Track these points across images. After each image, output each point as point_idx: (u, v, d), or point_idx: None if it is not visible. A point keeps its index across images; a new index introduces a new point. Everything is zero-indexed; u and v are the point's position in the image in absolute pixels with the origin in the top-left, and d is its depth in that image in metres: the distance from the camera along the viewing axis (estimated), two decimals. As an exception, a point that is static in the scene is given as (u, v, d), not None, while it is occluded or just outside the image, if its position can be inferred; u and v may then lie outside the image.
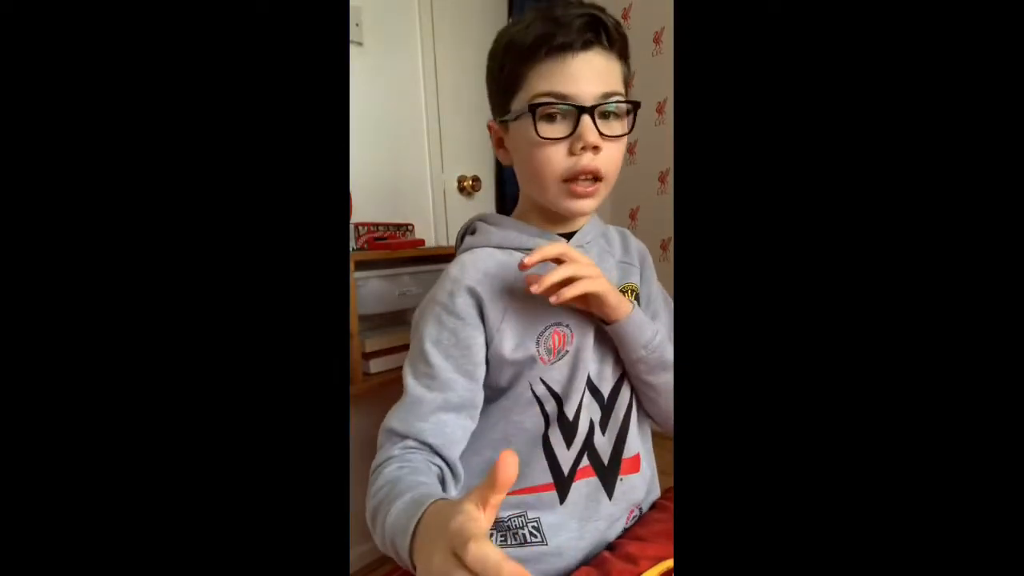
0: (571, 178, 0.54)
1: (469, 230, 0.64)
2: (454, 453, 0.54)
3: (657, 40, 1.62)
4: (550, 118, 0.53)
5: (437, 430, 0.53)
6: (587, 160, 0.53)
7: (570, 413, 0.57)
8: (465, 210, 1.51)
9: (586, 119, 0.52)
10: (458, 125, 1.46)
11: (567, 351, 0.57)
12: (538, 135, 0.52)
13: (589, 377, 0.58)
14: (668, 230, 1.64)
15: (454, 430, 0.54)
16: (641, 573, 0.48)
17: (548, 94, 0.52)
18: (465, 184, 1.49)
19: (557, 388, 0.57)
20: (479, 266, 0.57)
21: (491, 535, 0.57)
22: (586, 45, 0.52)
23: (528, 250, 0.58)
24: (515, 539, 0.56)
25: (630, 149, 1.68)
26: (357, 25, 1.23)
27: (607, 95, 0.53)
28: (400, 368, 1.24)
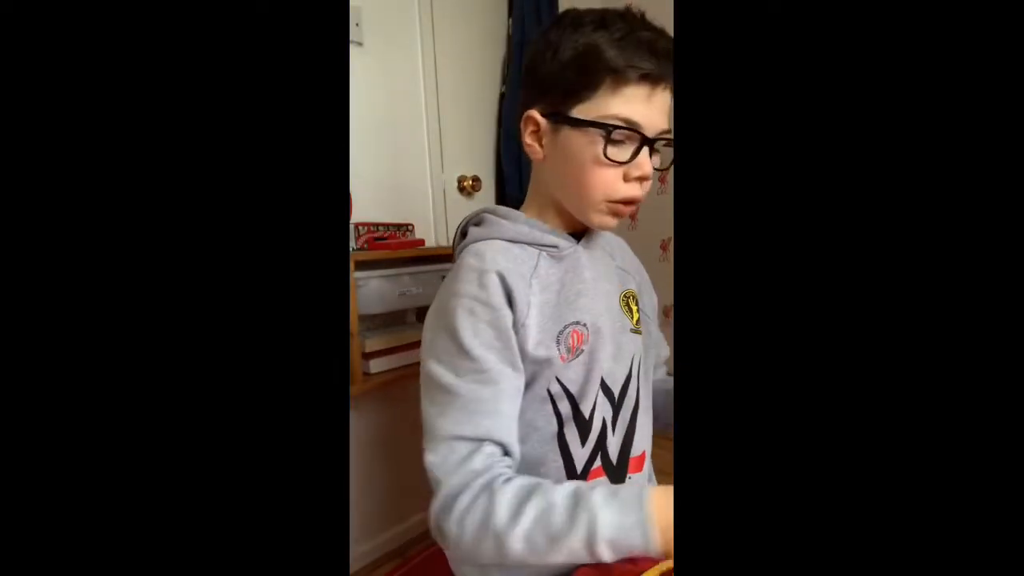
0: (617, 200, 0.55)
1: (473, 221, 0.63)
2: (517, 449, 0.53)
3: (657, 40, 1.62)
4: (616, 143, 0.53)
5: (503, 426, 0.51)
6: (636, 189, 0.55)
7: (586, 412, 0.57)
8: (465, 210, 1.50)
9: (645, 151, 0.53)
10: (458, 125, 1.46)
11: (583, 350, 0.56)
12: (606, 156, 0.53)
13: (602, 376, 0.58)
14: (668, 230, 1.64)
15: (511, 423, 0.53)
16: (641, 573, 0.48)
17: (626, 120, 0.52)
18: (465, 184, 1.49)
19: (572, 388, 0.56)
20: (499, 257, 0.56)
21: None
22: (670, 80, 0.53)
23: (543, 246, 0.58)
24: None
25: (630, 149, 1.68)
26: (357, 25, 1.22)
27: (665, 132, 0.54)
28: (400, 368, 1.24)
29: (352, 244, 1.19)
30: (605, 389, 0.59)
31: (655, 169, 0.56)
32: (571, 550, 0.44)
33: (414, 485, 1.38)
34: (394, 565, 1.27)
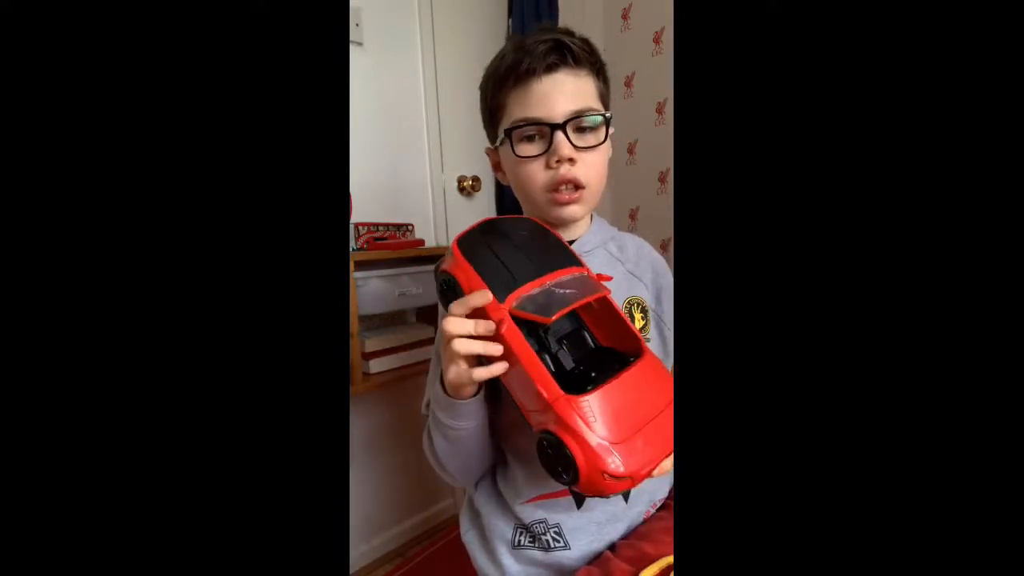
0: (553, 188, 0.58)
1: None
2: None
3: (657, 40, 1.62)
4: (529, 139, 0.58)
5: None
6: (564, 171, 0.57)
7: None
8: (465, 210, 1.51)
9: (559, 135, 0.56)
10: (458, 125, 1.46)
11: None
12: (516, 155, 0.58)
13: None
14: (668, 230, 1.64)
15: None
16: (641, 571, 0.48)
17: (523, 119, 0.57)
18: (465, 184, 1.49)
19: None
20: None
21: (518, 537, 0.59)
22: (550, 68, 0.56)
23: None
24: (539, 544, 0.57)
25: (630, 149, 1.68)
26: (357, 25, 1.22)
27: (579, 112, 0.57)
28: (400, 368, 1.24)
29: (352, 244, 1.19)
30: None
31: (587, 148, 0.58)
32: (435, 426, 0.56)
33: (414, 485, 1.38)
34: (394, 565, 1.27)
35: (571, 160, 0.57)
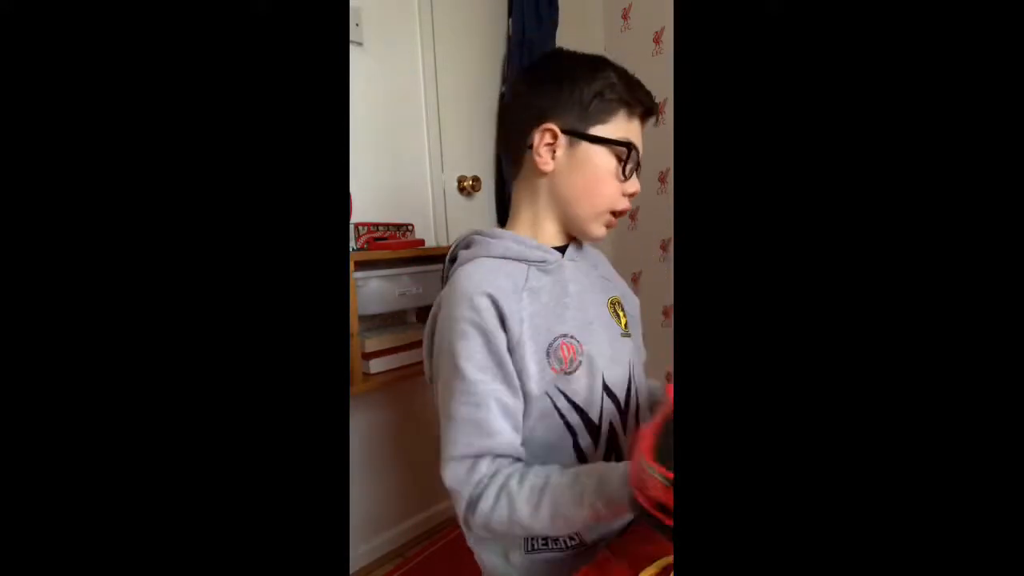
0: (612, 212, 0.64)
1: (462, 245, 0.65)
2: (521, 451, 0.57)
3: (657, 40, 1.62)
4: (618, 159, 0.62)
5: (501, 442, 0.55)
6: (625, 205, 0.64)
7: (595, 418, 0.60)
8: (465, 210, 1.51)
9: (637, 175, 0.64)
10: (458, 125, 1.46)
11: (580, 361, 0.59)
12: (624, 175, 0.62)
13: (604, 382, 0.61)
14: (668, 230, 1.64)
15: (510, 436, 0.56)
16: (641, 571, 0.48)
17: (634, 146, 0.62)
18: (465, 184, 1.49)
19: (578, 399, 0.58)
20: (488, 276, 0.58)
21: (532, 542, 0.60)
22: (649, 119, 0.66)
23: (532, 261, 0.61)
24: (555, 544, 0.59)
25: (630, 149, 1.68)
26: (357, 25, 1.22)
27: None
28: (400, 368, 1.24)
29: (352, 244, 1.19)
30: (609, 394, 0.61)
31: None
32: (582, 518, 0.51)
33: (414, 485, 1.38)
34: (394, 565, 1.27)
35: (634, 196, 0.65)
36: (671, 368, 0.68)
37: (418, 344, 1.25)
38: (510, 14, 1.51)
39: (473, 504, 0.53)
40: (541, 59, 0.69)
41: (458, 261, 0.63)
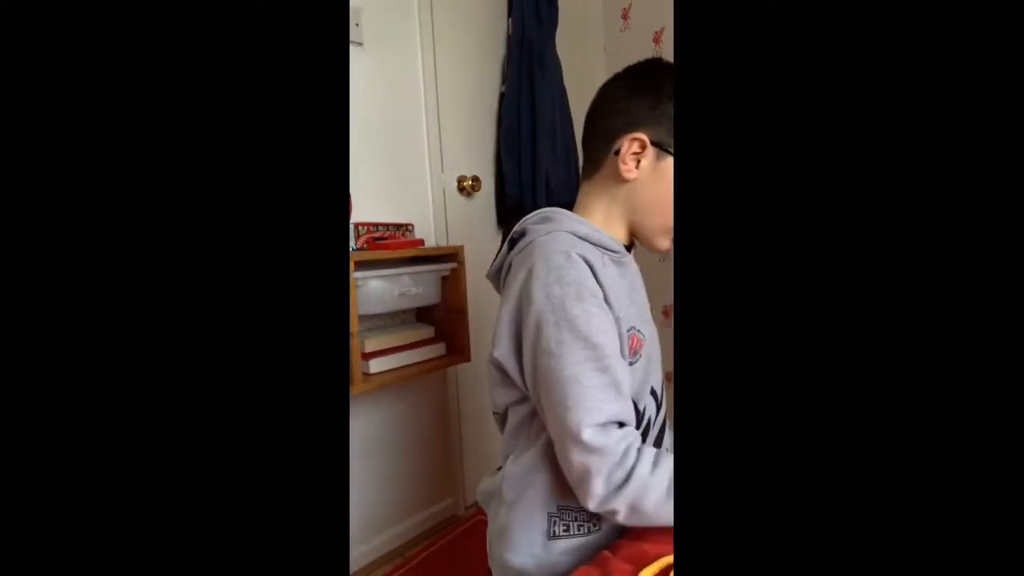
0: None
1: (534, 220, 0.63)
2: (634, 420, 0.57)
3: (657, 40, 1.62)
4: None
5: (626, 407, 0.54)
6: None
7: (640, 407, 0.61)
8: (465, 210, 1.50)
9: None
10: (458, 125, 1.46)
11: (640, 355, 0.61)
12: None
13: (651, 383, 0.63)
14: (668, 230, 1.64)
15: (629, 402, 0.56)
16: (641, 571, 0.48)
17: None
18: (465, 184, 1.49)
19: (632, 392, 0.59)
20: (575, 243, 0.57)
21: (554, 527, 0.60)
22: None
23: (607, 249, 0.61)
24: (575, 531, 0.59)
25: (630, 149, 1.69)
26: (357, 25, 1.22)
27: None
28: (400, 368, 1.23)
29: (352, 244, 1.19)
30: (652, 393, 0.64)
31: None
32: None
33: (414, 485, 1.38)
34: (394, 565, 1.27)
35: None
36: (671, 368, 0.69)
37: (418, 344, 1.26)
38: (510, 14, 1.51)
39: (628, 471, 0.51)
40: (640, 66, 0.65)
41: (531, 233, 0.61)
